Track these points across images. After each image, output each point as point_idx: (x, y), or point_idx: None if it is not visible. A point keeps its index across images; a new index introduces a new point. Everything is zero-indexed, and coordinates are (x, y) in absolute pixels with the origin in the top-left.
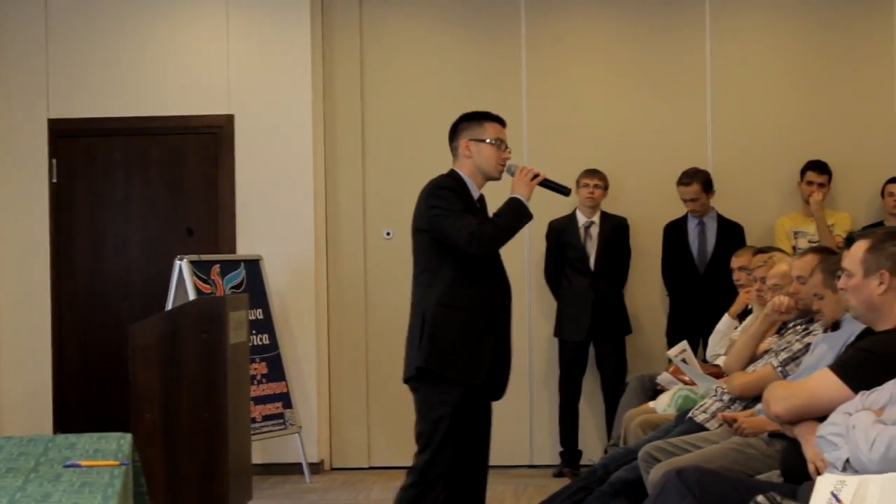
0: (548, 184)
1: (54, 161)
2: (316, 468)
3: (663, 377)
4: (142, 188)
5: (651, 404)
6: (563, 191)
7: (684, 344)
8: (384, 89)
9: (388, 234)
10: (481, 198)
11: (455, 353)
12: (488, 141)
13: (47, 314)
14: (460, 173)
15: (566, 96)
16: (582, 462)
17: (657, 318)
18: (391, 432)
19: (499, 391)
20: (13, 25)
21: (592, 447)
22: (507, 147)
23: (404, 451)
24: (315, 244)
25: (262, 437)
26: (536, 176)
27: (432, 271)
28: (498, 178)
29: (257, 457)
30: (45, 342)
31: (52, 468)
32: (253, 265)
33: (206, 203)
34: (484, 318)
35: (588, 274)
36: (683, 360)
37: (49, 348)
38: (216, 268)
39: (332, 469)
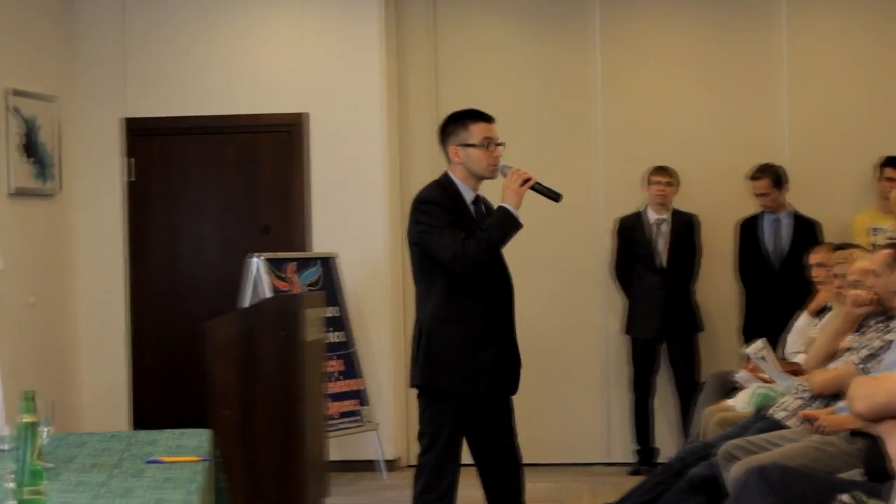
0: (539, 188)
1: (131, 160)
2: (392, 465)
3: (741, 375)
4: (217, 186)
5: (729, 402)
6: (555, 197)
7: (763, 341)
8: (457, 86)
9: None
10: (477, 199)
11: (452, 366)
12: (476, 144)
13: (124, 312)
14: (453, 178)
15: (640, 92)
16: (657, 460)
17: (728, 315)
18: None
19: (512, 388)
20: (90, 26)
21: (668, 445)
22: (497, 144)
23: None
24: (389, 241)
25: (339, 433)
26: (527, 181)
27: (427, 284)
28: (493, 178)
29: (334, 453)
30: (122, 340)
31: (135, 464)
32: (328, 263)
33: (281, 201)
34: (482, 328)
35: (658, 271)
36: (762, 358)
37: (126, 346)
38: (292, 265)
39: (409, 466)
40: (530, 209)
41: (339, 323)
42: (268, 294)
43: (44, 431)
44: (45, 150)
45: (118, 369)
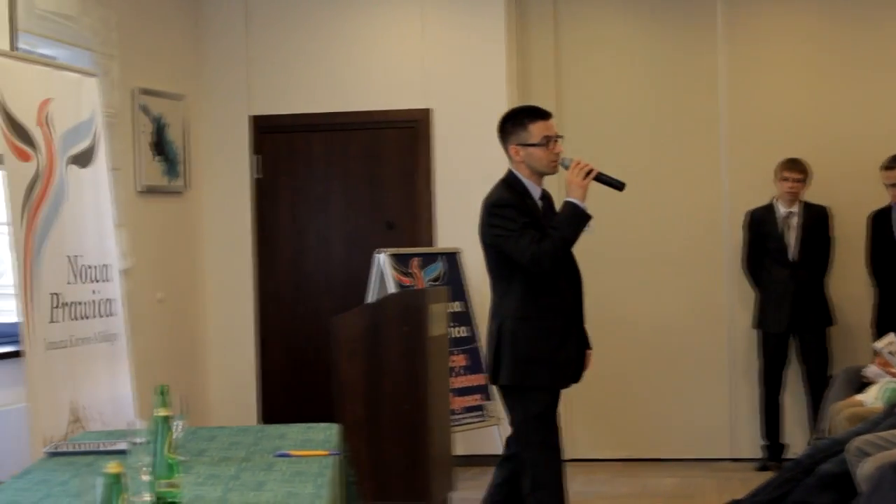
0: (603, 178)
1: (258, 157)
2: None
3: (870, 370)
4: (342, 182)
5: (858, 397)
6: (618, 186)
7: (892, 336)
8: (579, 82)
9: (588, 227)
10: (544, 194)
11: (537, 362)
12: (536, 143)
13: (252, 307)
14: (518, 175)
15: (765, 84)
16: (786, 456)
17: (861, 308)
18: (592, 425)
19: (577, 376)
20: (216, 27)
21: (796, 440)
22: (557, 139)
23: (605, 445)
24: None
25: (463, 428)
26: (590, 172)
27: (506, 283)
28: (555, 173)
29: (458, 448)
30: (249, 335)
31: (264, 458)
32: (452, 258)
33: (405, 196)
34: (562, 324)
35: (788, 265)
36: (892, 353)
37: (254, 341)
38: (416, 261)
39: None
40: (658, 206)
41: (463, 318)
42: (392, 289)
43: (177, 425)
44: (173, 148)
45: (246, 364)
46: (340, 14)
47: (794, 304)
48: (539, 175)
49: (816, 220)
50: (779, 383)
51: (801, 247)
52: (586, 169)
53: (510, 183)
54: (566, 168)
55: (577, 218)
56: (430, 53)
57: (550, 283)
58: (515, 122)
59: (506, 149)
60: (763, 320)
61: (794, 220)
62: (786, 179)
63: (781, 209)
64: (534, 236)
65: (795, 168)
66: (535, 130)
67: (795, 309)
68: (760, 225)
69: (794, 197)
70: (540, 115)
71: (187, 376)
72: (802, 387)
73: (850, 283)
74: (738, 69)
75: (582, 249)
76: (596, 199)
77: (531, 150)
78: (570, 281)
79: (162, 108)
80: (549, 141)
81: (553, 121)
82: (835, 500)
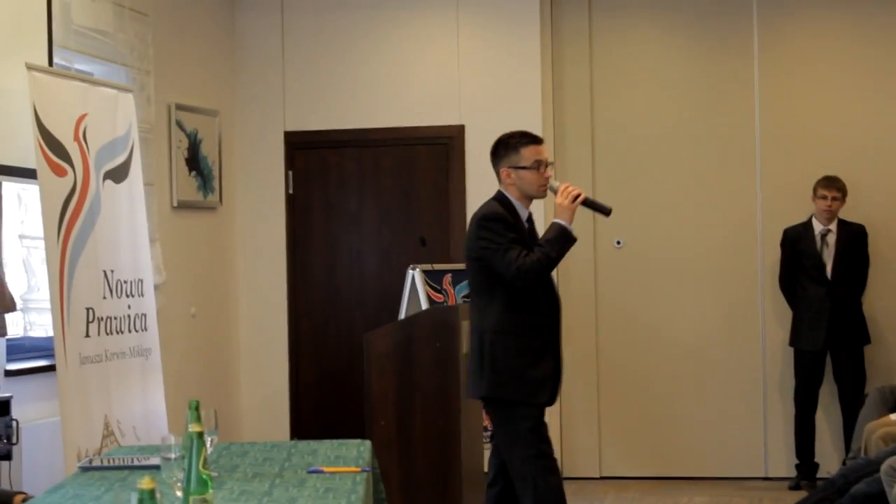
0: (589, 203)
1: (290, 173)
2: None
3: None
4: (374, 198)
5: (893, 416)
6: (605, 211)
7: None
8: (614, 98)
9: (619, 242)
10: (530, 217)
11: (517, 376)
12: (527, 167)
13: (284, 322)
14: (508, 196)
15: (800, 101)
16: (819, 475)
17: None
18: (623, 442)
19: (552, 399)
20: (251, 43)
21: (830, 460)
22: (548, 165)
23: (636, 462)
24: None
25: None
26: (578, 196)
27: (487, 297)
28: (543, 197)
29: (489, 464)
30: (282, 350)
31: (297, 473)
32: None
33: (438, 212)
34: (541, 341)
35: (824, 282)
36: None
37: (286, 356)
38: (448, 277)
39: (564, 478)
40: (693, 223)
41: None
42: (424, 305)
43: (208, 441)
44: (208, 164)
45: (278, 379)
46: (375, 31)
47: (830, 322)
48: (528, 198)
49: (854, 239)
50: (814, 402)
51: (837, 265)
52: (574, 193)
53: (502, 202)
54: (554, 192)
55: (563, 239)
56: (464, 70)
57: (531, 301)
58: (508, 145)
59: (497, 171)
60: (799, 338)
61: (832, 238)
62: (824, 198)
63: (818, 227)
64: (521, 251)
65: (833, 186)
66: (527, 154)
67: (832, 327)
68: (797, 242)
69: (831, 215)
70: (532, 139)
71: (220, 391)
72: (836, 406)
73: (886, 300)
74: (773, 87)
75: (616, 266)
76: (632, 217)
77: (522, 172)
78: (549, 302)
79: (197, 124)
80: (539, 165)
81: (545, 147)
82: None
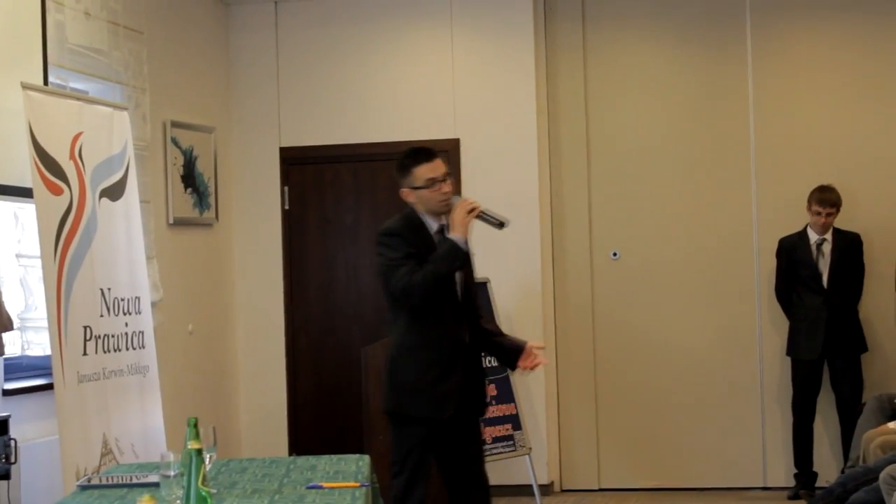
0: (484, 217)
1: (285, 188)
2: (546, 490)
3: None
4: (371, 212)
5: (891, 425)
6: (498, 225)
7: None
8: (609, 110)
9: (615, 254)
10: (443, 228)
11: (418, 391)
12: (420, 186)
13: (282, 338)
14: (417, 210)
15: (794, 110)
16: (818, 484)
17: (894, 335)
18: (621, 454)
19: (479, 410)
20: (246, 60)
21: (828, 469)
22: (444, 179)
23: (635, 473)
24: (542, 266)
25: (493, 458)
26: (472, 210)
27: (395, 312)
28: (448, 212)
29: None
30: (280, 366)
31: (296, 489)
32: (480, 287)
33: None
34: (446, 354)
35: (821, 291)
36: None
37: (284, 372)
38: None
39: (563, 490)
40: (689, 233)
41: None
42: None
43: (207, 457)
44: (204, 181)
45: (277, 395)
46: (370, 45)
47: (827, 330)
48: (434, 214)
49: (849, 247)
50: (811, 411)
51: (833, 274)
52: (469, 206)
53: (407, 215)
54: (452, 207)
55: (452, 254)
56: (459, 83)
57: (433, 314)
58: (402, 167)
59: (401, 193)
60: (796, 347)
61: (827, 248)
62: (818, 213)
63: (814, 236)
64: (411, 268)
65: (827, 203)
66: (420, 173)
67: (829, 336)
68: (793, 252)
69: (826, 228)
70: (425, 157)
71: (218, 407)
72: (834, 414)
73: (881, 308)
74: (767, 97)
75: (613, 278)
76: (628, 228)
77: (419, 192)
78: (465, 315)
79: (192, 141)
80: (433, 182)
81: (438, 162)
82: None
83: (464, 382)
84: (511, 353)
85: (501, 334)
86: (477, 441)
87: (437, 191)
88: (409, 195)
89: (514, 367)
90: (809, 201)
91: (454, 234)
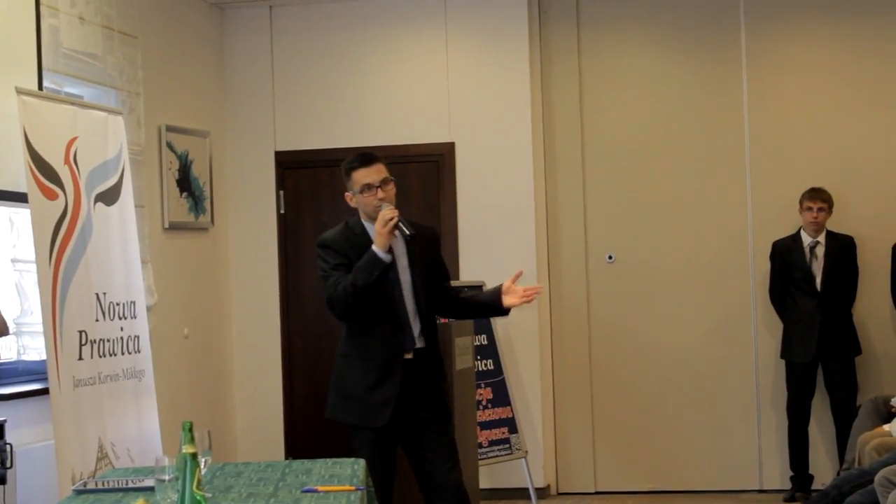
0: (398, 227)
1: (280, 192)
2: (542, 493)
3: None
4: None
5: (886, 427)
6: (406, 236)
7: None
8: (603, 114)
9: (611, 257)
10: None
11: (353, 399)
12: (358, 191)
13: (278, 342)
14: (361, 219)
15: (789, 114)
16: (814, 487)
17: (888, 337)
18: (617, 457)
19: (434, 415)
20: (240, 64)
21: (824, 471)
22: (379, 185)
23: (631, 476)
24: (537, 269)
25: (489, 461)
26: (390, 220)
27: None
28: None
29: (484, 482)
30: (276, 370)
31: (291, 493)
32: (476, 291)
33: None
34: (382, 363)
35: (814, 294)
36: None
37: (280, 376)
38: None
39: (559, 494)
40: (684, 236)
41: (488, 351)
42: None
43: (202, 461)
44: (199, 185)
45: (272, 399)
46: (364, 50)
47: (821, 333)
48: (373, 219)
49: (843, 250)
50: (806, 414)
51: (827, 277)
52: (387, 217)
53: (349, 224)
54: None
55: (371, 265)
56: (454, 87)
57: (373, 324)
58: (344, 171)
59: (345, 195)
60: (790, 350)
61: (821, 251)
62: (809, 209)
63: (807, 239)
64: (336, 279)
65: (818, 197)
66: (357, 178)
67: (822, 339)
68: (786, 255)
69: (818, 226)
70: (362, 163)
71: (214, 412)
72: (829, 417)
73: (875, 312)
74: (762, 100)
75: (608, 281)
76: (623, 231)
77: (358, 197)
78: (402, 320)
79: (187, 145)
80: (369, 188)
81: (376, 167)
82: None
83: (405, 390)
84: (492, 300)
85: (479, 293)
86: (442, 449)
87: (372, 195)
88: (350, 199)
89: (505, 312)
90: (801, 201)
91: (375, 245)
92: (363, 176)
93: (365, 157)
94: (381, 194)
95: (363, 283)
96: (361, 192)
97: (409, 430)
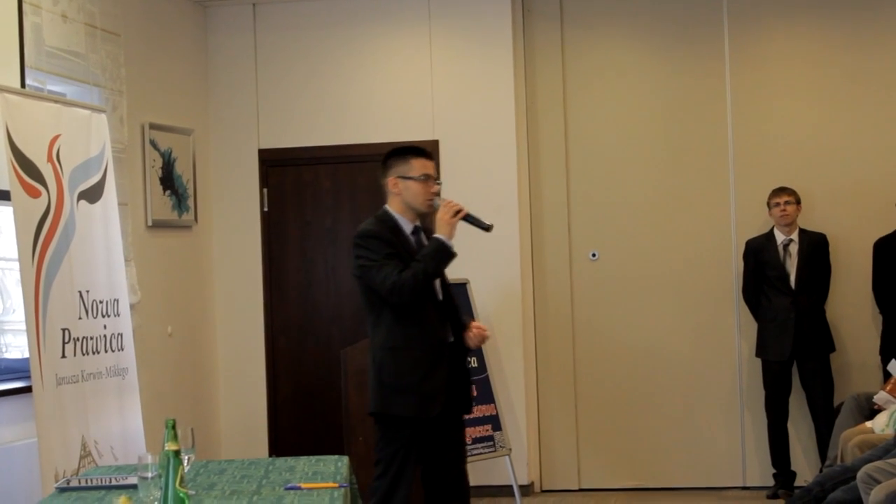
0: (470, 219)
1: (264, 190)
2: (526, 490)
3: (880, 396)
4: (350, 214)
5: (868, 424)
6: (485, 227)
7: None
8: (587, 111)
9: (594, 255)
10: (416, 229)
11: (404, 392)
12: (415, 178)
13: (261, 340)
14: (391, 212)
15: (771, 113)
16: (797, 483)
17: (861, 334)
18: (601, 454)
19: (465, 407)
20: (225, 62)
21: (805, 468)
22: (434, 180)
23: (615, 474)
24: (521, 267)
25: (473, 459)
26: (459, 212)
27: (376, 314)
28: (427, 212)
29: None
30: (259, 367)
31: (274, 490)
32: (460, 289)
33: None
34: (430, 353)
35: (788, 292)
36: None
37: (263, 373)
38: None
39: (543, 491)
40: (666, 233)
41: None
42: None
43: (185, 459)
44: (182, 183)
45: (256, 396)
46: (348, 48)
47: (796, 331)
48: (413, 211)
49: (816, 248)
50: (784, 412)
51: (801, 274)
52: (455, 209)
53: (381, 217)
54: (436, 208)
55: (441, 253)
56: (438, 85)
57: (417, 314)
58: (399, 156)
59: (385, 182)
60: (765, 349)
61: (794, 248)
62: (777, 205)
63: (780, 237)
64: (395, 266)
65: (783, 192)
66: (417, 165)
67: (798, 336)
68: (760, 254)
69: (787, 221)
70: (424, 154)
71: (197, 409)
72: (806, 414)
73: (848, 309)
74: (745, 97)
75: (592, 278)
76: (606, 229)
77: (409, 182)
78: (445, 313)
79: (171, 143)
80: (427, 178)
81: (434, 164)
82: None
83: (448, 381)
84: (460, 328)
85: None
86: (460, 444)
87: (426, 187)
88: (395, 184)
89: (465, 347)
90: (768, 202)
91: (441, 234)
92: (425, 166)
93: (425, 150)
94: (435, 187)
95: (434, 271)
96: (418, 179)
97: (442, 423)
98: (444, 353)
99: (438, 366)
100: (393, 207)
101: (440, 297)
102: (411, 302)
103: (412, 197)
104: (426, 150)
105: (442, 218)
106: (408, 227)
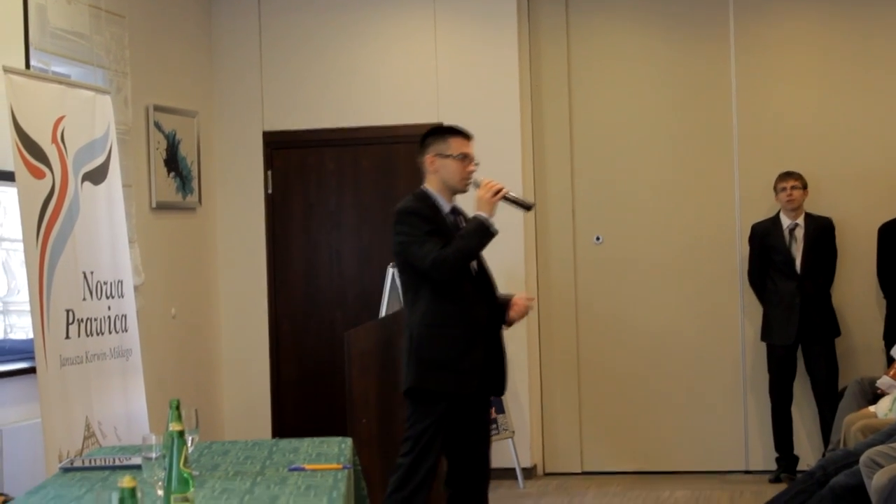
0: (511, 198)
1: (268, 173)
2: (529, 473)
3: (883, 381)
4: (354, 197)
5: (872, 408)
6: (526, 206)
7: None
8: (591, 95)
9: (598, 238)
10: (454, 209)
11: (442, 367)
12: (453, 156)
13: (265, 322)
14: (428, 190)
15: (776, 97)
16: (799, 468)
17: (866, 319)
18: (604, 437)
19: (499, 388)
20: (229, 43)
21: (808, 452)
22: (472, 160)
23: (617, 457)
24: (525, 251)
25: None
26: (499, 191)
27: (414, 292)
28: (465, 192)
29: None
30: (263, 349)
31: (278, 471)
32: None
33: None
34: (468, 331)
35: (794, 277)
36: None
37: (267, 355)
38: None
39: (545, 474)
40: (671, 217)
41: None
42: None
43: (189, 440)
44: (187, 165)
45: (259, 378)
46: (353, 29)
47: (801, 316)
48: (450, 191)
49: (822, 232)
50: (788, 396)
51: (807, 259)
52: (496, 188)
53: (420, 195)
54: (476, 188)
55: (481, 231)
56: (442, 68)
57: (455, 291)
58: (437, 135)
59: (423, 160)
60: (770, 333)
61: (800, 233)
62: (783, 189)
63: (787, 221)
64: (436, 243)
65: (790, 176)
66: (455, 144)
67: (803, 321)
68: (765, 238)
69: (793, 206)
70: (462, 133)
71: (201, 391)
72: (810, 399)
73: (853, 294)
74: (750, 80)
75: (596, 262)
76: (611, 213)
77: (447, 161)
78: (483, 294)
79: (175, 125)
80: (465, 157)
81: (472, 144)
82: None
83: (485, 359)
84: (502, 306)
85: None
86: (486, 424)
87: (465, 166)
88: (433, 162)
89: (508, 323)
90: (775, 186)
91: (482, 212)
92: (464, 145)
93: (465, 130)
94: (472, 167)
95: (476, 248)
96: (456, 157)
97: (474, 401)
98: (481, 330)
99: (476, 343)
100: (431, 186)
101: (475, 274)
102: (451, 279)
103: (449, 175)
104: (465, 130)
105: (482, 197)
106: (446, 206)
